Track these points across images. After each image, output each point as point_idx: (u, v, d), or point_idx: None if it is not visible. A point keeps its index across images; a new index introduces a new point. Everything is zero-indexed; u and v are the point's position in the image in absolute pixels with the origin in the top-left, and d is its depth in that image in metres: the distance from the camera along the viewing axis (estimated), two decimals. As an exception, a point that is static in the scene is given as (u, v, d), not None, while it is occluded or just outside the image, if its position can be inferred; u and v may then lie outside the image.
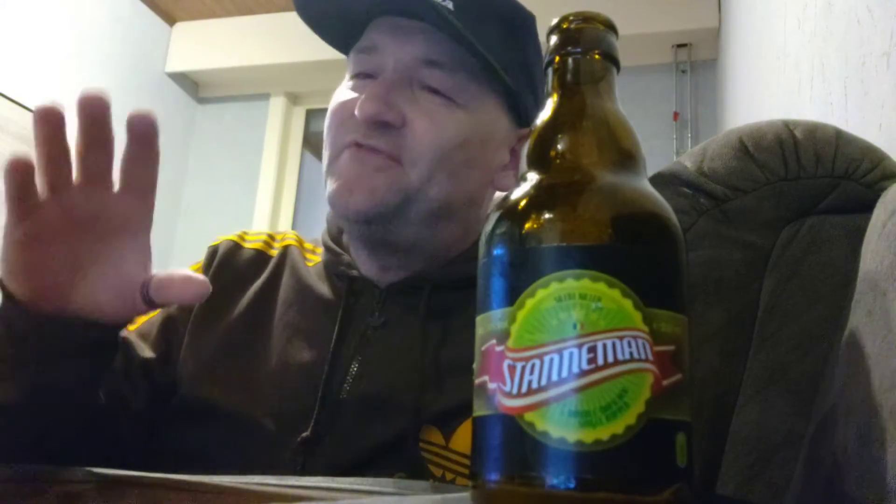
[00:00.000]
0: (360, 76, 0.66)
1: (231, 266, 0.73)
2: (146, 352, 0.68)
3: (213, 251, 0.75)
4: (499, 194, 0.73)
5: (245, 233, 0.77)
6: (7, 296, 0.52)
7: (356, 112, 0.62)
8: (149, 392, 0.67)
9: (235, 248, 0.75)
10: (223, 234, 0.79)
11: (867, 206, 0.51)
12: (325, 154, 0.67)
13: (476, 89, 0.65)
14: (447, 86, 0.63)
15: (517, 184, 0.67)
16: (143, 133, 0.52)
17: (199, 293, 0.54)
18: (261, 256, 0.74)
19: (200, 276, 0.55)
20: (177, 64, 4.23)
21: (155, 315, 0.71)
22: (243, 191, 4.19)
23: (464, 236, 0.69)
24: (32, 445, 0.56)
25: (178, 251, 3.84)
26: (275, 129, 4.24)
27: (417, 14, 0.63)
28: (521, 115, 0.70)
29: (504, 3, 0.68)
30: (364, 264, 0.68)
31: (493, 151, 0.68)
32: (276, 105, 4.27)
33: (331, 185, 0.64)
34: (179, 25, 4.29)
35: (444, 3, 0.62)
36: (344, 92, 0.67)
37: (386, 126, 0.62)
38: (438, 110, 0.63)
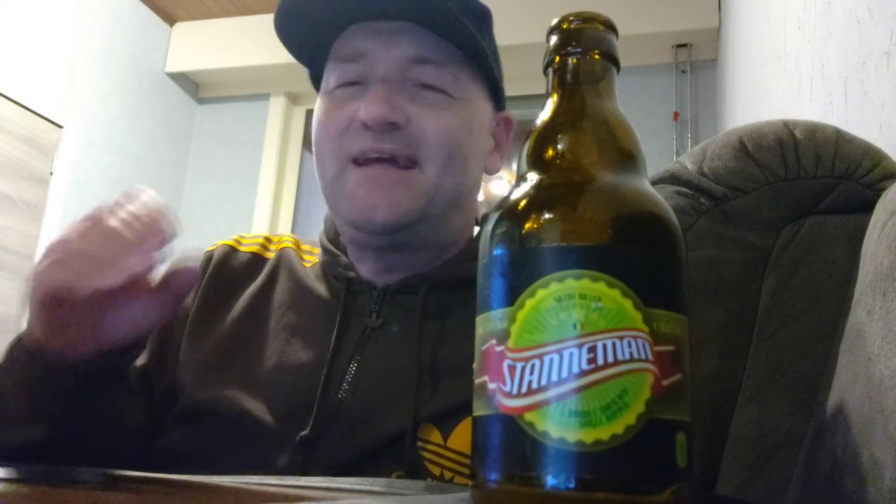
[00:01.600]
0: (347, 84, 0.65)
1: (227, 270, 0.73)
2: (141, 359, 0.68)
3: (209, 256, 0.75)
4: (491, 190, 0.75)
5: (241, 237, 0.78)
6: (35, 347, 0.55)
7: (363, 117, 0.62)
8: (146, 401, 0.67)
9: (231, 252, 0.75)
10: (222, 235, 0.79)
11: (867, 206, 0.51)
12: (327, 167, 0.65)
13: (466, 80, 0.66)
14: (441, 80, 0.64)
15: (501, 165, 0.67)
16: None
17: (191, 282, 0.56)
18: (257, 259, 0.74)
19: (192, 263, 0.57)
20: (177, 64, 4.23)
21: None
22: (243, 191, 4.19)
23: (466, 224, 0.71)
24: (47, 458, 0.58)
25: (177, 251, 3.83)
26: (275, 129, 4.24)
27: (409, 14, 0.63)
28: (498, 97, 0.72)
29: None
30: (364, 266, 0.69)
31: (484, 137, 0.70)
32: (276, 105, 4.27)
33: (346, 205, 0.64)
34: (179, 25, 4.29)
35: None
36: (333, 103, 0.65)
37: (394, 127, 0.62)
38: (439, 105, 0.64)
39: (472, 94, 0.66)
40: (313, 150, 0.67)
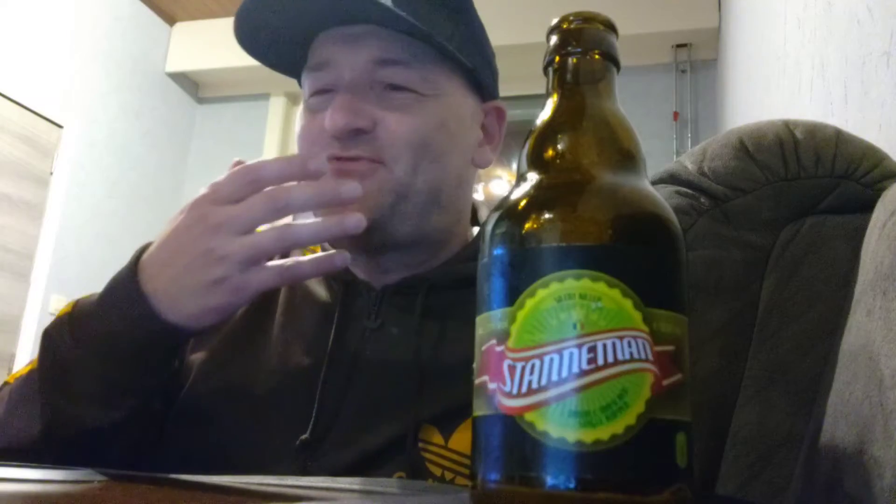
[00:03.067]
0: (319, 93, 0.66)
1: None
2: None
3: None
4: (491, 190, 0.73)
5: None
6: (154, 319, 0.53)
7: (327, 125, 0.62)
8: (164, 398, 0.67)
9: None
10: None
11: (867, 206, 0.51)
12: None
13: (438, 76, 0.65)
14: (409, 80, 0.63)
15: (492, 157, 0.66)
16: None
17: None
18: None
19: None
20: (177, 64, 4.23)
21: None
22: (243, 191, 4.19)
23: (457, 221, 0.70)
24: (99, 456, 0.57)
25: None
26: (275, 130, 4.24)
27: (361, 17, 0.63)
28: (483, 89, 0.71)
29: None
30: (361, 267, 0.69)
31: (467, 130, 0.69)
32: (276, 105, 4.27)
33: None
34: (179, 25, 4.29)
35: (383, 1, 0.61)
36: (307, 112, 0.66)
37: (359, 133, 0.62)
38: (406, 105, 0.63)
39: (445, 88, 0.66)
40: None
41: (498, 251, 0.32)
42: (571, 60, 0.36)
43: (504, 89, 0.76)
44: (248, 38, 0.66)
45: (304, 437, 0.59)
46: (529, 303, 0.30)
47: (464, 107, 0.68)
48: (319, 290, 0.70)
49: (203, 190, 0.55)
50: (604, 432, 0.28)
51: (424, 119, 0.63)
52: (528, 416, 0.29)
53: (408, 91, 0.64)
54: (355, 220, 0.54)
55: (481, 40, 0.71)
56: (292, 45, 0.67)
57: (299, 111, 0.68)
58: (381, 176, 0.62)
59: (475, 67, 0.68)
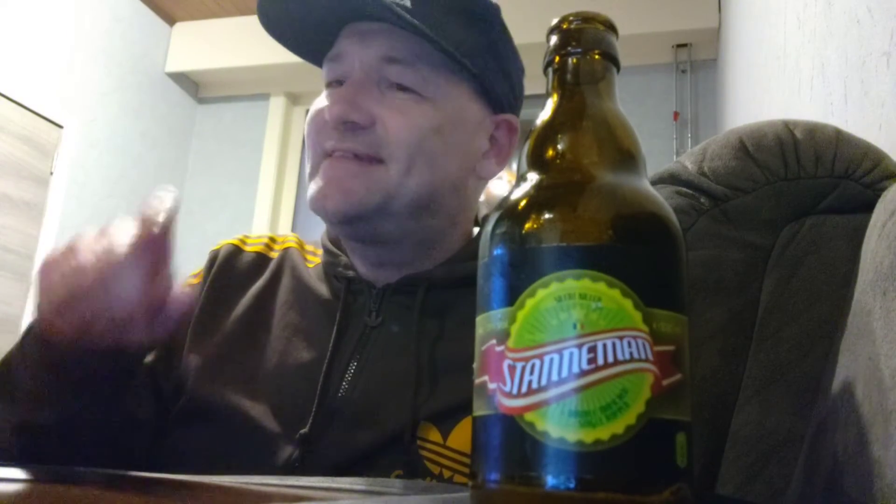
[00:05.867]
0: (332, 84, 0.68)
1: (231, 269, 0.74)
2: (148, 358, 0.68)
3: (214, 255, 0.76)
4: (491, 190, 0.73)
5: (246, 236, 0.78)
6: (46, 329, 0.55)
7: (326, 117, 0.64)
8: (153, 399, 0.67)
9: (236, 251, 0.76)
10: (222, 235, 0.79)
11: (867, 206, 0.51)
12: (308, 162, 0.68)
13: (442, 79, 0.65)
14: (411, 80, 0.64)
15: (497, 169, 0.66)
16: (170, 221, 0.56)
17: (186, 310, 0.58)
18: (261, 259, 0.75)
19: (185, 292, 0.58)
20: (177, 64, 4.23)
21: None
22: (243, 191, 4.19)
23: (452, 226, 0.70)
24: (59, 457, 0.59)
25: (178, 250, 3.83)
26: (275, 129, 4.24)
27: (375, 16, 0.64)
28: (494, 99, 0.70)
29: None
30: (361, 264, 0.69)
31: (470, 137, 0.69)
32: (276, 105, 4.27)
33: (309, 193, 0.66)
34: (179, 25, 4.29)
35: (401, 2, 0.63)
36: (319, 101, 0.68)
37: (356, 127, 0.63)
38: (406, 105, 0.64)
39: (446, 93, 0.66)
40: None
41: (498, 251, 0.32)
42: (571, 60, 0.36)
43: (510, 90, 0.75)
44: (274, 24, 0.69)
45: (303, 431, 0.60)
46: (529, 303, 0.30)
47: (467, 114, 0.68)
48: (322, 287, 0.70)
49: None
50: (604, 432, 0.28)
51: (422, 121, 0.64)
52: (528, 416, 0.29)
53: (410, 92, 0.64)
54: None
55: (501, 52, 0.70)
56: (316, 35, 0.69)
57: (317, 99, 0.70)
58: (375, 176, 0.63)
59: (485, 75, 0.68)
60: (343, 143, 0.63)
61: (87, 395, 0.58)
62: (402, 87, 0.64)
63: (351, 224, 0.65)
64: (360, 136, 0.63)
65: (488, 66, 0.68)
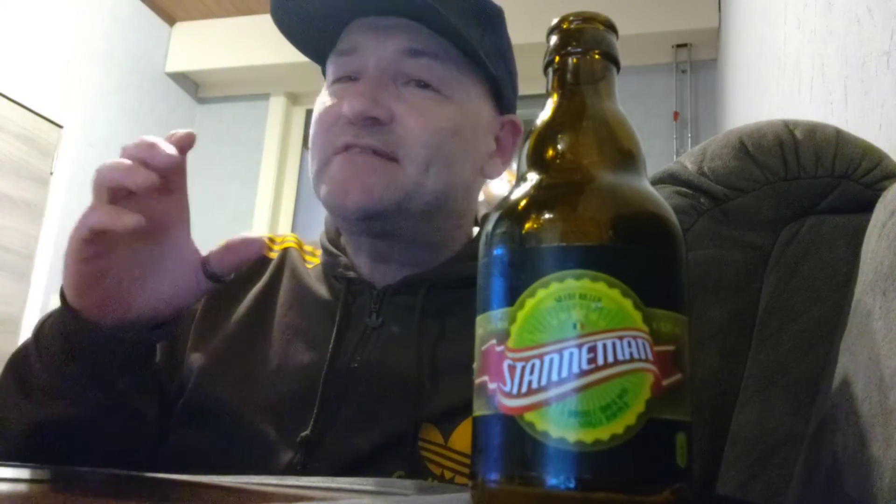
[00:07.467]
0: (343, 80, 0.66)
1: None
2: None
3: None
4: (491, 190, 0.73)
5: None
6: (70, 310, 0.55)
7: (344, 111, 0.62)
8: (158, 400, 0.67)
9: None
10: (222, 235, 0.79)
11: (867, 206, 0.51)
12: (314, 160, 0.66)
13: (460, 78, 0.65)
14: (433, 75, 0.63)
15: (503, 169, 0.66)
16: (186, 147, 0.54)
17: (259, 249, 0.58)
18: (261, 259, 0.74)
19: (255, 236, 0.58)
20: (177, 64, 4.23)
21: None
22: (243, 190, 4.19)
23: (458, 226, 0.70)
24: (68, 456, 0.58)
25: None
26: (275, 129, 4.24)
27: (396, 7, 0.63)
28: (502, 101, 0.71)
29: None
30: (363, 265, 0.69)
31: (482, 139, 0.69)
32: (276, 105, 4.27)
33: (324, 189, 0.64)
34: (179, 25, 4.29)
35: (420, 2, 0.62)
36: (327, 97, 0.66)
37: (375, 123, 0.62)
38: (426, 103, 0.63)
39: (465, 94, 0.66)
40: (309, 143, 0.68)
41: (498, 251, 0.32)
42: (571, 60, 0.36)
43: (515, 91, 0.75)
44: (284, 13, 0.67)
45: (304, 433, 0.60)
46: (529, 303, 0.30)
47: (481, 115, 0.68)
48: (321, 288, 0.70)
49: None
50: (604, 432, 0.28)
51: (441, 122, 0.63)
52: (528, 416, 0.29)
53: (430, 90, 0.63)
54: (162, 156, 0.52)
55: (507, 54, 0.71)
56: (324, 29, 0.67)
57: (320, 95, 0.68)
58: (393, 174, 0.62)
59: (498, 77, 0.68)
60: (361, 139, 0.62)
61: (101, 388, 0.58)
62: (420, 84, 0.63)
63: (369, 221, 0.63)
64: (378, 133, 0.62)
65: (500, 68, 0.69)
